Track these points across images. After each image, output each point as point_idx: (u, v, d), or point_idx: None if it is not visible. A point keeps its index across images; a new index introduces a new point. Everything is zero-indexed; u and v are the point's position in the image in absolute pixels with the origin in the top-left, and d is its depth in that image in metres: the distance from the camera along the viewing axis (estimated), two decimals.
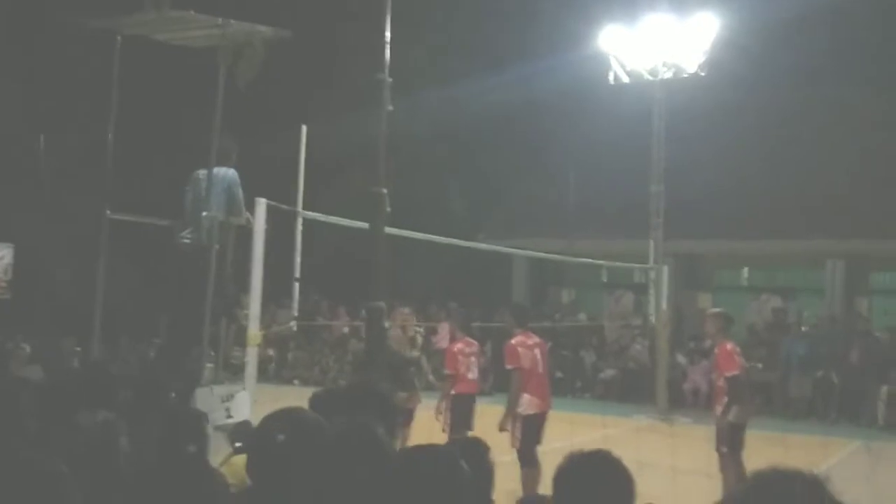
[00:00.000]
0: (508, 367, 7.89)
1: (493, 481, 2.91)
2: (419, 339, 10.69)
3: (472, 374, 8.69)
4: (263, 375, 15.58)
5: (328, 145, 11.73)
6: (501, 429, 7.69)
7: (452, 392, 8.45)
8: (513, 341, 7.98)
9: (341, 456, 2.38)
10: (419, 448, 2.39)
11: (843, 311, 18.43)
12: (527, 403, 7.79)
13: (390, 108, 6.17)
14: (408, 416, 9.78)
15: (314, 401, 3.78)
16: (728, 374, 7.86)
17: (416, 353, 10.41)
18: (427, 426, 8.25)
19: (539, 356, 8.01)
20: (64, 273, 14.00)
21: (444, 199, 20.57)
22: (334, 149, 13.80)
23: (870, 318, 17.93)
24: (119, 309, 8.02)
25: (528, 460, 7.71)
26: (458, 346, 8.76)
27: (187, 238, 7.11)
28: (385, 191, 6.25)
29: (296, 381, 15.76)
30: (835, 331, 16.99)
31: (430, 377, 10.85)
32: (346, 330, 16.65)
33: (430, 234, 10.52)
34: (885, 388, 14.70)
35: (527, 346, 7.94)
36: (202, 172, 7.19)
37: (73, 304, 11.80)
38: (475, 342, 9.08)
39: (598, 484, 2.50)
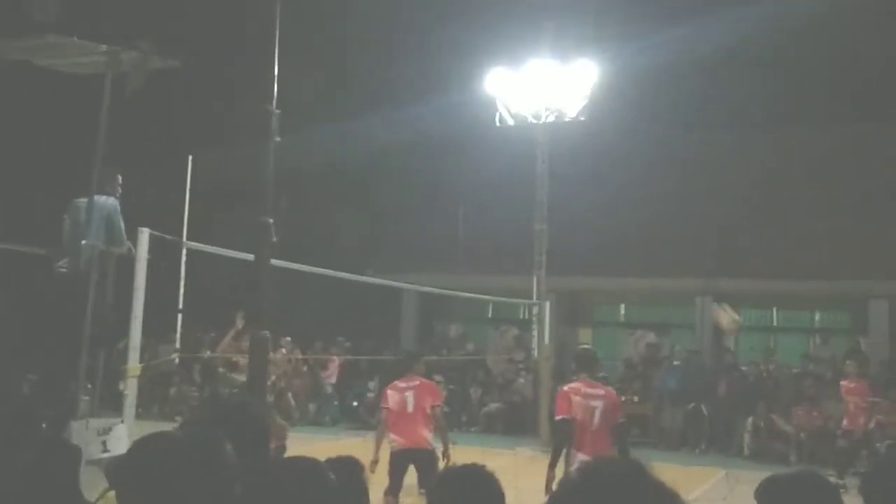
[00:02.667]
0: (382, 406, 8.31)
1: (366, 499, 2.92)
2: (295, 369, 10.61)
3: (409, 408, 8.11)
4: (147, 412, 15.11)
5: (216, 176, 11.56)
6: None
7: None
8: (389, 386, 8.38)
9: (209, 466, 2.34)
10: (286, 460, 2.40)
11: (712, 346, 19.16)
12: (392, 440, 8.12)
13: (278, 139, 6.15)
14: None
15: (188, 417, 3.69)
16: (557, 417, 7.18)
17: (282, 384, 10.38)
18: None
19: (412, 398, 8.14)
20: None
21: (334, 233, 20.43)
22: (222, 180, 13.59)
23: (736, 352, 18.76)
24: None
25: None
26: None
27: (64, 267, 6.85)
28: (271, 220, 6.20)
29: (177, 418, 15.23)
30: (703, 365, 17.67)
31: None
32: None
33: (319, 267, 10.46)
34: (750, 420, 15.35)
35: (397, 389, 8.22)
36: (82, 201, 6.98)
37: None
38: (416, 377, 8.43)
39: (471, 495, 2.57)
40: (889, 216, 18.11)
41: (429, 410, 8.10)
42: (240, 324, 9.25)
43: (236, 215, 12.57)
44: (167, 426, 12.42)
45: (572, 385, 7.14)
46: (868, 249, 17.62)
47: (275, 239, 6.35)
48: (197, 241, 8.23)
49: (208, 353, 12.42)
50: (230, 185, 15.78)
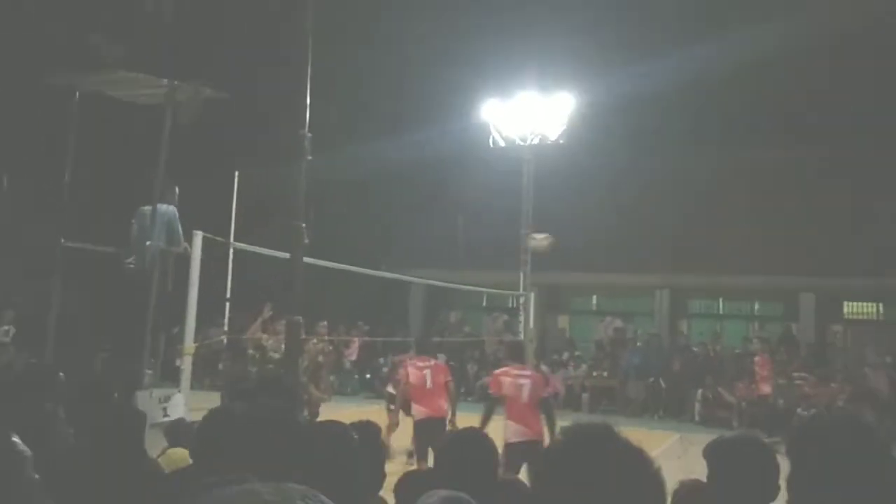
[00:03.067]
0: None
1: (383, 455, 2.95)
2: (327, 349, 10.59)
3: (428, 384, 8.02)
4: (199, 383, 15.12)
5: (258, 190, 11.60)
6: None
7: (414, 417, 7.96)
8: (410, 363, 8.30)
9: (260, 430, 2.42)
10: (319, 423, 2.44)
11: (668, 330, 19.18)
12: (416, 411, 8.08)
13: (309, 157, 6.15)
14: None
15: (228, 389, 3.71)
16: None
17: (320, 360, 10.32)
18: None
19: (430, 375, 8.09)
20: (21, 295, 13.19)
21: (354, 236, 20.46)
22: (263, 193, 13.60)
23: (689, 335, 18.79)
24: (71, 325, 7.61)
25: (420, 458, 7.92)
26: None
27: (132, 264, 6.87)
28: (303, 225, 6.20)
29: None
30: (662, 346, 17.71)
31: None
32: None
33: (342, 263, 10.50)
34: (700, 391, 15.35)
35: (417, 367, 8.16)
36: (146, 208, 7.00)
37: (29, 321, 11.17)
38: (431, 358, 8.38)
39: (471, 452, 2.61)
40: (814, 223, 18.11)
41: (443, 385, 8.13)
42: (267, 313, 9.21)
43: (274, 222, 12.61)
44: (216, 395, 12.42)
45: (502, 369, 7.36)
46: (799, 250, 17.63)
47: (306, 241, 6.35)
48: (242, 243, 8.26)
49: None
50: (269, 196, 15.75)
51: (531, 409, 6.92)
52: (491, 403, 7.14)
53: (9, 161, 15.66)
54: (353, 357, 17.75)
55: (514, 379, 7.08)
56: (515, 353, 7.76)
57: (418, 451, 7.91)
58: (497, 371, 7.42)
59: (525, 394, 6.98)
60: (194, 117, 6.44)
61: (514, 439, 6.67)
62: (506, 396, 6.98)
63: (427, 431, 7.90)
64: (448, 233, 20.84)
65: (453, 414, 8.66)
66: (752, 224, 18.47)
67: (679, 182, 19.77)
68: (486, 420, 6.84)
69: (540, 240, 9.88)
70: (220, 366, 15.83)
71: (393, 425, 8.10)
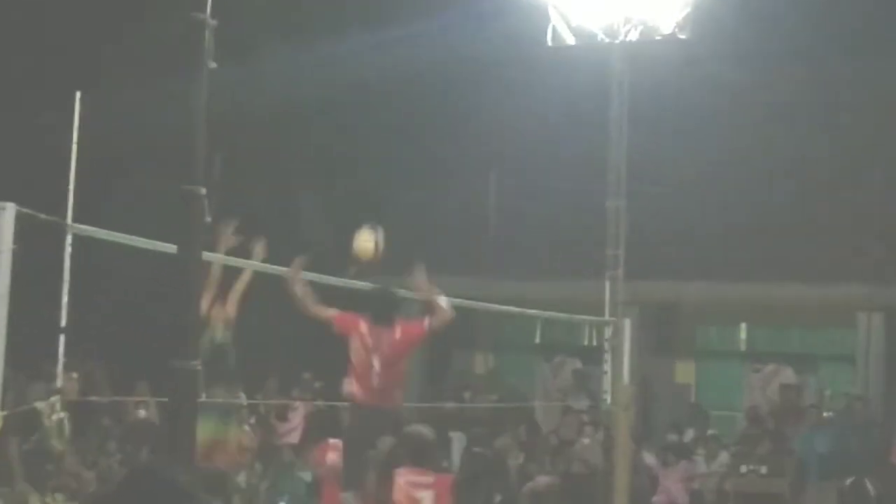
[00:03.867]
0: None
1: None
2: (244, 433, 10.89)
3: None
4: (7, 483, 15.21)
5: (115, 124, 11.52)
6: None
7: None
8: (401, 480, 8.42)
9: None
10: None
11: (885, 387, 19.09)
12: None
13: (213, 64, 6.13)
14: None
15: None
16: None
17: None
18: None
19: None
20: None
21: (295, 214, 20.48)
22: (125, 130, 13.52)
23: None
24: None
25: None
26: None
27: None
28: (204, 191, 6.19)
29: (58, 496, 15.30)
30: (871, 418, 17.68)
31: None
32: (142, 413, 16.27)
33: (271, 264, 10.46)
34: None
35: (410, 485, 8.37)
36: None
37: None
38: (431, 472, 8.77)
39: None
40: None
41: None
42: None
43: (147, 182, 12.63)
44: None
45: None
46: None
47: (208, 218, 6.36)
48: (87, 225, 8.27)
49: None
50: (137, 136, 15.86)
51: None
52: None
53: None
54: (294, 439, 17.77)
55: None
56: (417, 453, 8.67)
57: None
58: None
59: None
60: None
61: None
62: None
63: None
64: (471, 210, 20.83)
65: None
66: None
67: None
68: None
69: (363, 241, 10.18)
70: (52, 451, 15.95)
71: None
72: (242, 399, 15.91)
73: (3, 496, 10.52)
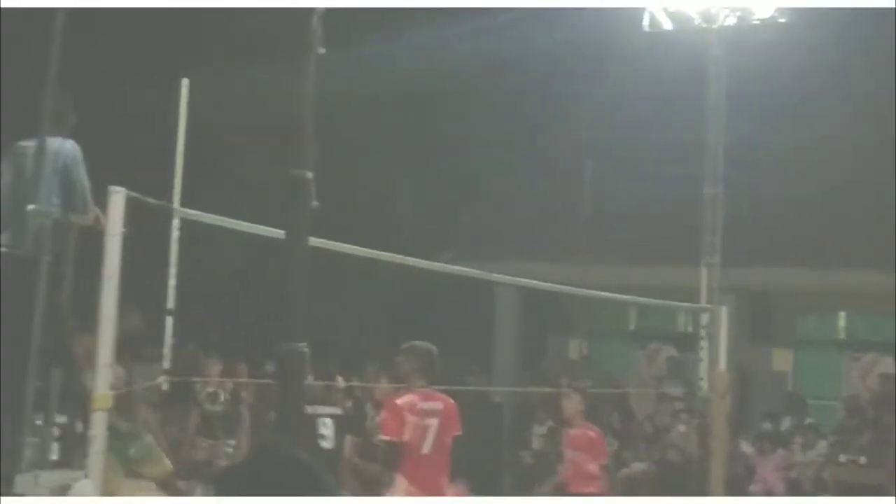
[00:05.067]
0: (383, 438, 8.37)
1: None
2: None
3: (427, 448, 8.33)
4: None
5: (220, 111, 11.64)
6: None
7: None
8: (399, 401, 8.35)
9: None
10: None
11: None
12: (400, 491, 8.17)
13: (322, 50, 6.14)
14: None
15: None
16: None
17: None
18: None
19: (435, 429, 8.31)
20: None
21: (389, 200, 20.59)
22: (229, 116, 13.63)
23: None
24: None
25: None
26: (409, 398, 8.33)
27: (3, 246, 7.03)
28: (310, 175, 6.21)
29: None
30: None
31: None
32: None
33: (369, 248, 10.51)
34: None
35: (417, 412, 8.21)
36: (26, 145, 7.14)
37: None
38: (440, 395, 8.62)
39: None
40: None
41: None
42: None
43: (253, 166, 12.74)
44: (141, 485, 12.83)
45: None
46: None
47: (315, 203, 6.37)
48: (194, 210, 8.35)
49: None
50: (243, 122, 16.01)
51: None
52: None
53: None
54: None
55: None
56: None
57: None
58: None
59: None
60: None
61: None
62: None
63: None
64: (562, 196, 20.77)
65: None
66: None
67: None
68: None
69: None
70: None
71: None
72: (340, 382, 16.11)
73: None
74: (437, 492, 8.22)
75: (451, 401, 8.62)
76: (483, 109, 21.28)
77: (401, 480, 8.08)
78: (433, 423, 8.20)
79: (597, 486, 10.31)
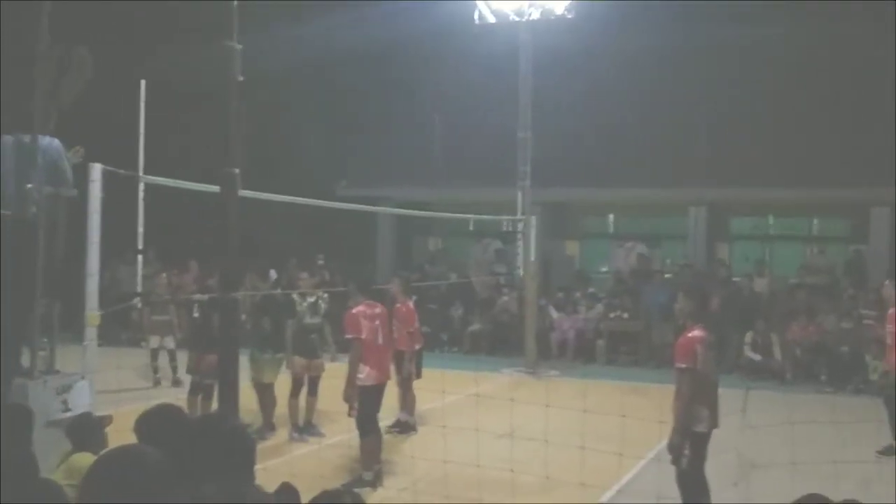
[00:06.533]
0: (348, 336, 8.16)
1: None
2: (322, 306, 10.39)
3: (380, 340, 8.41)
4: (115, 339, 15.03)
5: (170, 97, 11.01)
6: (345, 399, 8.04)
7: (360, 382, 8.10)
8: (354, 311, 8.23)
9: None
10: None
11: (706, 257, 19.24)
12: (365, 374, 8.07)
13: (241, 78, 5.73)
14: (312, 384, 10.06)
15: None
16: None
17: (317, 320, 10.22)
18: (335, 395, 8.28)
19: (379, 327, 8.32)
20: None
21: (302, 145, 20.02)
22: (171, 95, 12.92)
23: (730, 264, 18.87)
24: None
25: (367, 430, 8.10)
26: (360, 308, 8.30)
27: (7, 211, 6.59)
28: (237, 171, 5.86)
29: (142, 343, 15.13)
30: (696, 278, 17.60)
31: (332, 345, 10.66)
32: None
33: (287, 180, 10.14)
34: (750, 335, 15.36)
35: (368, 317, 8.20)
36: (11, 139, 6.68)
37: None
38: (378, 304, 8.59)
39: None
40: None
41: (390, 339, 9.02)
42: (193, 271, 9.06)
43: (194, 124, 12.10)
44: (133, 351, 12.17)
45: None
46: (872, 153, 17.21)
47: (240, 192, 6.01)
48: (154, 176, 7.90)
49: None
50: (182, 105, 15.32)
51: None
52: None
53: None
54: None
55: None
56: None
57: (368, 423, 8.08)
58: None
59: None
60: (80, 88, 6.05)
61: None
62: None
63: (377, 400, 8.18)
64: (422, 140, 20.48)
65: (418, 372, 10.46)
66: (814, 121, 18.00)
67: (721, 68, 19.21)
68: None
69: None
70: (133, 314, 15.61)
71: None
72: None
73: (277, 361, 10.05)
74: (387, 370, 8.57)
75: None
76: (367, 77, 20.74)
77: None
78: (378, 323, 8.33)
79: (405, 344, 10.26)
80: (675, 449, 6.40)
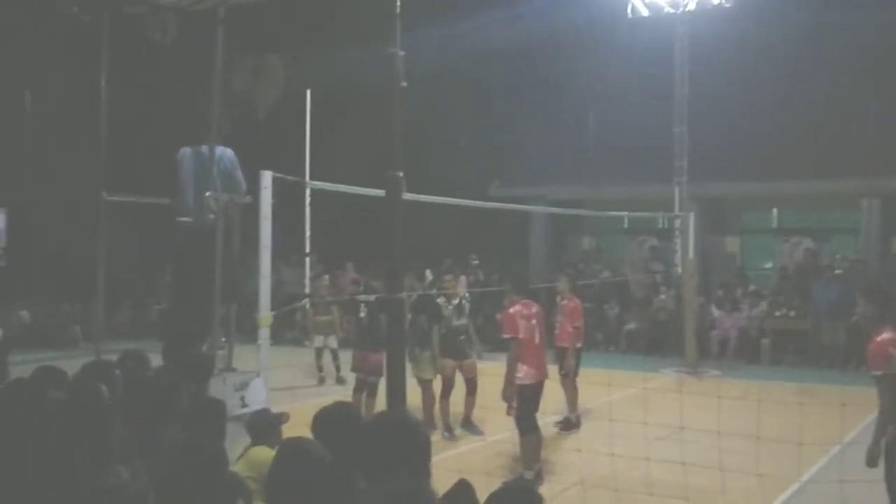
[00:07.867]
0: (506, 336, 8.16)
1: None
2: (466, 307, 10.48)
3: (537, 339, 8.30)
4: (281, 339, 15.74)
5: (330, 99, 11.36)
6: (504, 399, 8.04)
7: (518, 381, 8.05)
8: (511, 310, 8.22)
9: None
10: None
11: (879, 252, 18.28)
12: (524, 373, 8.05)
13: (404, 84, 5.86)
14: (470, 384, 10.19)
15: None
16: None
17: (463, 321, 10.32)
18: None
19: (536, 326, 8.25)
20: (61, 240, 13.97)
21: (454, 146, 20.30)
22: (336, 102, 13.31)
23: None
24: (118, 275, 7.84)
25: (527, 429, 8.08)
26: (517, 308, 8.20)
27: (188, 219, 7.02)
28: (401, 174, 6.00)
29: (306, 343, 15.77)
30: (869, 274, 16.78)
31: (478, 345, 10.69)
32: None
33: (440, 181, 10.29)
34: None
35: (524, 317, 8.17)
36: (188, 149, 7.08)
37: (72, 271, 11.81)
38: (534, 303, 8.49)
39: None
40: None
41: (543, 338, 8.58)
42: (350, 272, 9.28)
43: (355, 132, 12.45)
44: (297, 350, 12.54)
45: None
46: None
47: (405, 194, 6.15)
48: (319, 181, 8.19)
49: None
50: (345, 99, 15.75)
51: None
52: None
53: (31, 74, 16.39)
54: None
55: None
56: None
57: (527, 422, 8.07)
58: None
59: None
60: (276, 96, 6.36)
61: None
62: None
63: (535, 399, 8.13)
64: (575, 137, 20.40)
65: (576, 371, 10.30)
66: None
67: (889, 49, 18.12)
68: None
69: None
70: (298, 316, 16.29)
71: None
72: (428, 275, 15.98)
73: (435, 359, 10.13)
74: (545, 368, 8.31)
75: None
76: (519, 77, 20.81)
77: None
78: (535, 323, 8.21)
79: (568, 340, 10.22)
80: (873, 460, 6.07)
